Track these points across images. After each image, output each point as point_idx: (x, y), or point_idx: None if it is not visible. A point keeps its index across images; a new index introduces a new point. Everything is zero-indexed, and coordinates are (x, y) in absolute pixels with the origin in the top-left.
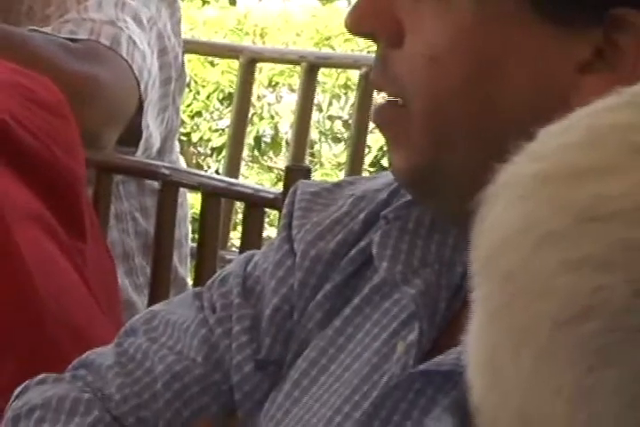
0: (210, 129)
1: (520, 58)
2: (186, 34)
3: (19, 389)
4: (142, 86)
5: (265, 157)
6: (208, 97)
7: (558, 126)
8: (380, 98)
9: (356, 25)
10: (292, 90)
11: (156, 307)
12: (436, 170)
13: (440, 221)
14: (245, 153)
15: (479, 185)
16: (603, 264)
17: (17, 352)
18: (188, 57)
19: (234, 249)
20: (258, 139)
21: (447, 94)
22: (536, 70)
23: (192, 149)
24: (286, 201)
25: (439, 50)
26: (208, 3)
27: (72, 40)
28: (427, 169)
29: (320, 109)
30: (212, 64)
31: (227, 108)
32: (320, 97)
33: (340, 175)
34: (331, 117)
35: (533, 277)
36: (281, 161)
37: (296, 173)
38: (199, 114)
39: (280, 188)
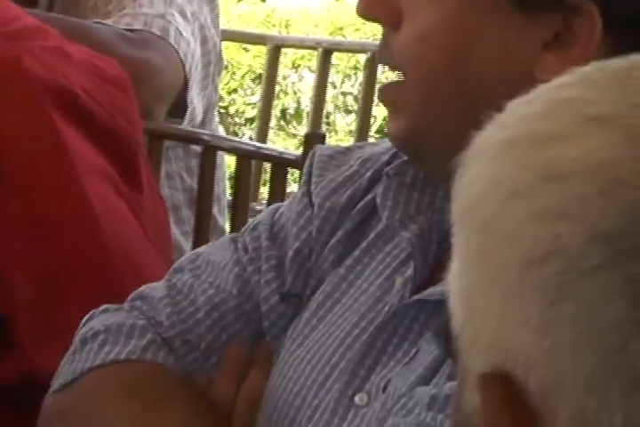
0: (244, 103)
1: (494, 38)
2: (223, 25)
3: (86, 317)
4: (187, 68)
5: (289, 126)
6: (242, 77)
7: (522, 100)
8: (383, 79)
9: (364, 12)
10: (311, 71)
11: (199, 249)
12: (425, 134)
13: (429, 177)
14: (273, 123)
15: (459, 149)
16: (561, 215)
17: (85, 286)
18: (225, 44)
19: (263, 202)
20: (283, 111)
21: (435, 67)
22: (507, 49)
23: (229, 119)
24: (306, 162)
25: (428, 31)
26: (242, 0)
27: (129, 30)
28: (418, 134)
29: (334, 86)
30: (245, 50)
31: (257, 85)
32: (334, 76)
33: (351, 141)
34: (343, 93)
35: (503, 226)
36: (302, 129)
37: (314, 138)
38: (235, 91)
39: (301, 151)
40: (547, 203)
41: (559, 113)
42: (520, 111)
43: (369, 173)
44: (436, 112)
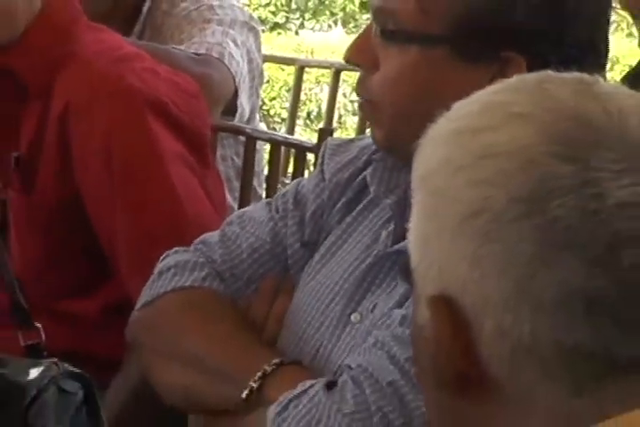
0: (280, 107)
1: (446, 81)
2: (266, 51)
3: (162, 256)
4: (237, 81)
5: (312, 124)
6: (279, 88)
7: (465, 102)
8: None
9: (349, 58)
10: (328, 84)
11: (244, 209)
12: (396, 141)
13: (402, 162)
14: (301, 122)
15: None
16: (490, 183)
17: (166, 240)
18: (266, 65)
19: (289, 177)
20: (308, 113)
21: (401, 100)
22: (455, 88)
23: (269, 118)
24: (321, 149)
25: (397, 76)
26: (280, 34)
27: (196, 54)
28: (390, 141)
29: (345, 96)
30: (281, 69)
31: (289, 95)
32: (346, 89)
33: (355, 135)
34: (351, 101)
35: (450, 191)
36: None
37: (326, 132)
38: (274, 98)
39: (316, 141)
40: (481, 175)
41: (491, 111)
42: (463, 110)
43: (364, 158)
44: (402, 128)
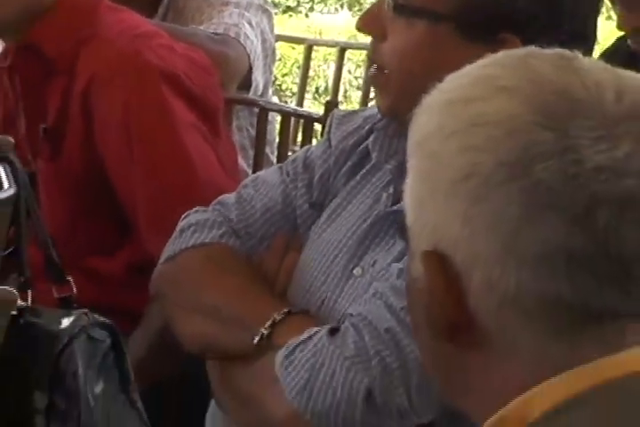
0: (291, 82)
1: (447, 56)
2: (278, 32)
3: (183, 215)
4: (251, 58)
5: (320, 98)
6: (291, 66)
7: (457, 75)
8: (371, 69)
9: (361, 28)
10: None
11: (258, 173)
12: (401, 109)
13: (403, 130)
14: (309, 96)
15: None
16: (480, 149)
17: (184, 202)
18: (278, 44)
19: (298, 144)
20: (317, 88)
21: (408, 70)
22: (457, 62)
23: (281, 93)
24: (328, 119)
25: (403, 47)
26: (291, 16)
27: (215, 34)
28: (395, 109)
29: (350, 72)
30: (292, 48)
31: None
32: (351, 66)
33: (358, 107)
34: (356, 77)
35: (443, 156)
36: None
37: (331, 104)
38: (286, 75)
39: (323, 112)
40: (471, 141)
41: (480, 83)
42: (455, 82)
43: (367, 127)
44: (406, 96)
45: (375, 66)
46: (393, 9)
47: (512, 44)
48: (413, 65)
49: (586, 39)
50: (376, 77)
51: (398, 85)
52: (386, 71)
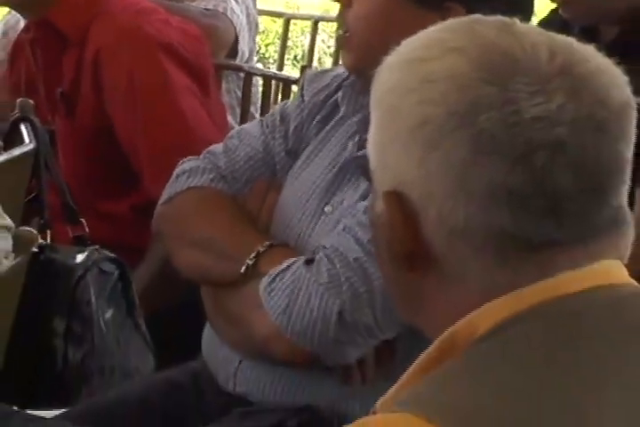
0: (274, 51)
1: (401, 22)
2: (261, 6)
3: (179, 163)
4: (237, 31)
5: (298, 64)
6: (273, 37)
7: (412, 39)
8: (339, 32)
9: None
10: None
11: (242, 126)
12: (363, 66)
13: (368, 86)
14: (289, 62)
15: None
16: (433, 102)
17: (179, 154)
18: (261, 17)
19: (278, 102)
20: (295, 56)
21: (369, 32)
22: (408, 28)
23: (264, 60)
24: (301, 79)
25: (365, 14)
26: None
27: (206, 9)
28: (358, 66)
29: (323, 42)
30: (273, 21)
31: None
32: (323, 36)
33: None
34: (328, 46)
35: (402, 108)
36: None
37: (306, 68)
38: (268, 44)
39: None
40: (426, 95)
41: (433, 45)
42: (412, 44)
43: (336, 84)
44: (367, 56)
45: (342, 30)
46: None
47: (457, 12)
48: (374, 28)
49: (523, 10)
50: (342, 39)
51: (361, 46)
52: (350, 34)
